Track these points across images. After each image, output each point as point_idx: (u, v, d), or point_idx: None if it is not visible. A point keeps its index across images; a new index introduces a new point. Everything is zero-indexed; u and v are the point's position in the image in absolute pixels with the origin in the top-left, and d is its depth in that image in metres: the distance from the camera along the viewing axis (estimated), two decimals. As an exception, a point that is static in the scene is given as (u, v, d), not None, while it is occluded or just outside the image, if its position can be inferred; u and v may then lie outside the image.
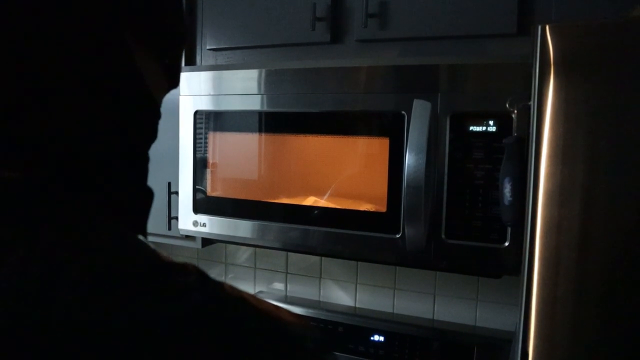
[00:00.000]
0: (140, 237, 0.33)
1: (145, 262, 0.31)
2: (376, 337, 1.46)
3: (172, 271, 0.30)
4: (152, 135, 0.40)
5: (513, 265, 1.01)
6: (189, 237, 1.44)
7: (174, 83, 0.43)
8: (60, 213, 0.32)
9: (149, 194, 0.40)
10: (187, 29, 0.43)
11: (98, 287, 0.28)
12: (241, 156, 1.28)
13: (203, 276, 0.31)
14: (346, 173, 1.20)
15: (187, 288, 0.29)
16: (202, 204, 1.33)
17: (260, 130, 1.26)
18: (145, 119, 0.39)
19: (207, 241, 1.46)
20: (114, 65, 0.35)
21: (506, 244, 1.03)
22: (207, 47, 1.40)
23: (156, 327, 0.27)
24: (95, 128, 0.35)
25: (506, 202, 0.91)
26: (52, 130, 0.33)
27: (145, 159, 0.40)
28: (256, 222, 1.26)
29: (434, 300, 1.52)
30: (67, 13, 0.33)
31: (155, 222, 1.41)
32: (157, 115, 0.41)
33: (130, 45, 0.36)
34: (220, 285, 0.31)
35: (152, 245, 0.32)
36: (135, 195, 0.38)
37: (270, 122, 1.25)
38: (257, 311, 0.31)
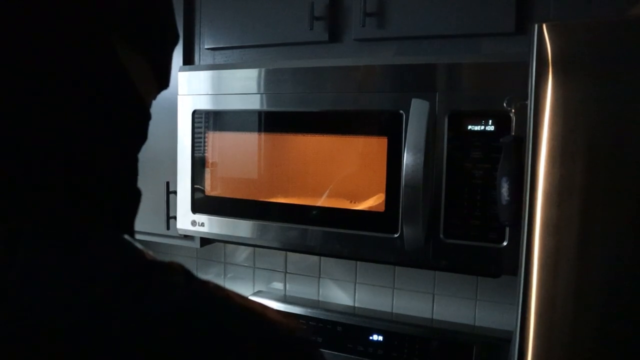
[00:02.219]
0: (127, 236, 0.33)
1: (130, 261, 0.31)
2: (375, 337, 1.46)
3: (157, 270, 0.30)
4: (141, 137, 0.40)
5: (512, 265, 1.01)
6: (187, 237, 1.44)
7: (164, 84, 0.43)
8: (47, 214, 0.32)
9: (136, 195, 0.40)
10: (177, 29, 0.42)
11: (82, 286, 0.28)
12: (240, 156, 1.28)
13: (188, 275, 0.31)
14: (344, 172, 1.20)
15: (171, 286, 0.30)
16: (201, 204, 1.33)
17: (258, 130, 1.25)
18: (134, 120, 0.39)
19: (205, 241, 1.46)
20: (102, 66, 0.35)
21: (505, 243, 1.03)
22: (205, 47, 1.40)
23: (140, 325, 0.27)
24: (83, 129, 0.35)
25: (504, 202, 0.90)
26: (39, 131, 0.33)
27: (135, 161, 0.40)
28: (255, 222, 1.26)
29: (433, 299, 1.52)
30: (53, 15, 0.32)
31: (153, 222, 1.41)
32: (147, 117, 0.40)
33: (117, 47, 0.36)
34: (205, 284, 0.31)
35: (138, 245, 0.32)
36: (124, 196, 0.38)
37: (269, 122, 1.24)
38: (242, 309, 0.31)
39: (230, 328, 0.29)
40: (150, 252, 0.32)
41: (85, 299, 0.27)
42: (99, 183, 0.36)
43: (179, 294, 0.29)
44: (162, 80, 0.42)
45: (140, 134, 0.40)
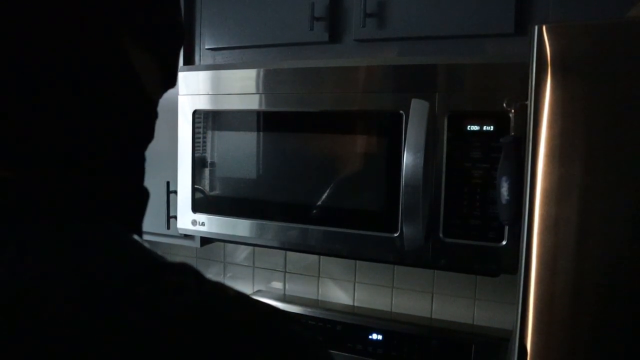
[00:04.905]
0: (136, 236, 0.33)
1: (140, 261, 0.31)
2: (374, 336, 1.47)
3: (166, 271, 0.30)
4: (149, 136, 0.40)
5: (511, 264, 1.01)
6: (187, 236, 1.44)
7: (171, 83, 0.43)
8: (54, 213, 0.32)
9: (144, 194, 0.40)
10: (184, 28, 0.43)
11: (91, 286, 0.28)
12: (240, 155, 1.28)
13: (198, 276, 0.31)
14: (344, 172, 1.20)
15: (181, 288, 0.29)
16: (201, 203, 1.33)
17: (258, 130, 1.26)
18: (142, 119, 0.39)
19: (205, 240, 1.46)
20: (110, 65, 0.35)
21: (504, 242, 1.03)
22: (206, 47, 1.40)
23: (150, 327, 0.27)
24: (91, 128, 0.35)
25: (503, 201, 0.91)
26: (47, 130, 0.33)
27: (142, 159, 0.40)
28: (255, 221, 1.27)
29: (432, 298, 1.52)
30: (63, 14, 0.33)
31: (154, 222, 1.41)
32: (154, 116, 0.41)
33: (126, 46, 0.36)
34: (216, 285, 0.31)
35: (147, 245, 0.32)
36: (131, 195, 0.38)
37: (269, 122, 1.25)
38: (253, 310, 0.31)
39: (242, 328, 0.29)
40: (160, 253, 0.32)
41: (95, 300, 0.27)
42: (108, 182, 0.36)
43: (189, 295, 0.29)
44: (169, 79, 0.42)
45: (147, 133, 0.40)
